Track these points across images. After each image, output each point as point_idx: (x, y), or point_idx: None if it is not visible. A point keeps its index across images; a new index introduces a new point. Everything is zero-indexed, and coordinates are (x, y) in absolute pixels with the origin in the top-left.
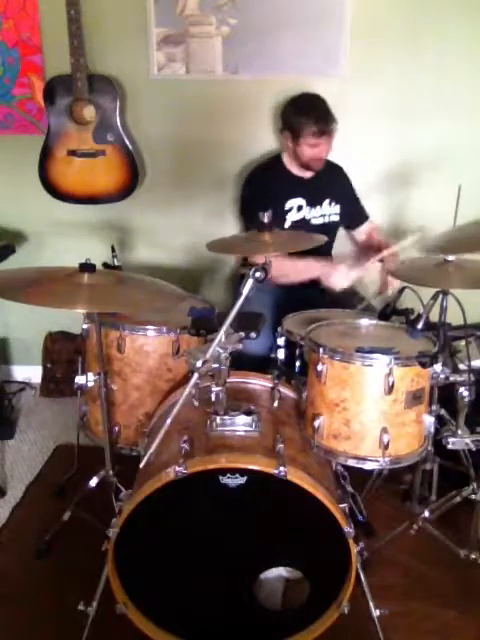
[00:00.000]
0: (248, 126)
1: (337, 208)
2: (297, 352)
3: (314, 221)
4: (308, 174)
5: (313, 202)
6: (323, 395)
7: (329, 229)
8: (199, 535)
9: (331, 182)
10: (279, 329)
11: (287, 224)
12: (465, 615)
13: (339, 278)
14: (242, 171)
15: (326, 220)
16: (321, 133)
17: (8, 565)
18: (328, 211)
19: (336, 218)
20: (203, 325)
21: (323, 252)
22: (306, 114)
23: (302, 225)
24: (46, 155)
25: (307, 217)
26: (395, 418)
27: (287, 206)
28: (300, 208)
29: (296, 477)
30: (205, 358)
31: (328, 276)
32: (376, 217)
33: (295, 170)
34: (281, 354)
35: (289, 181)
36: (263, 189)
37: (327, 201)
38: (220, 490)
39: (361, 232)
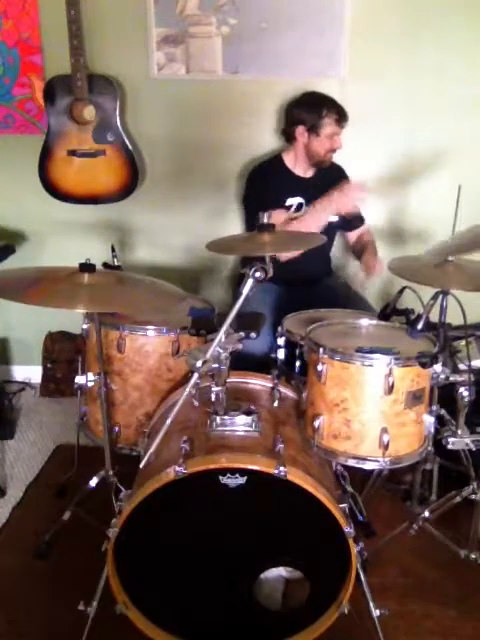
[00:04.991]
0: (248, 126)
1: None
2: (297, 352)
3: None
4: (309, 174)
5: (312, 202)
6: (323, 395)
7: (327, 230)
8: (199, 535)
9: (331, 183)
10: (279, 329)
11: None
12: (465, 615)
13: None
14: (242, 171)
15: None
16: (342, 120)
17: (8, 565)
18: None
19: (334, 219)
20: (203, 325)
21: (322, 253)
22: (326, 106)
23: None
24: (46, 155)
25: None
26: (395, 418)
27: (288, 203)
28: (300, 207)
29: (296, 477)
30: (205, 358)
31: (346, 203)
32: (376, 217)
33: (297, 170)
34: (281, 354)
35: (289, 180)
36: (265, 185)
37: None
38: (220, 490)
39: (353, 234)
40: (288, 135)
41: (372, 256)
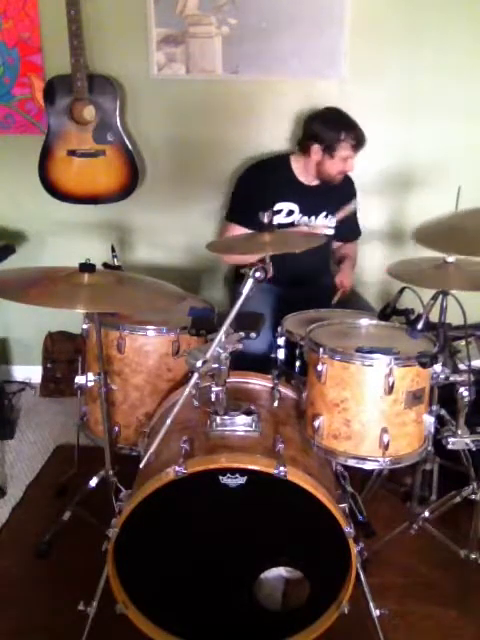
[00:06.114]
0: (248, 126)
1: (334, 222)
2: (297, 352)
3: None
4: (314, 182)
5: (308, 212)
6: (323, 395)
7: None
8: (199, 535)
9: (334, 196)
10: (279, 329)
11: None
12: (465, 615)
13: None
14: (242, 171)
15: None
16: (359, 146)
17: (8, 565)
18: (322, 223)
19: (330, 232)
20: (203, 325)
21: (321, 253)
22: (345, 129)
23: None
24: (46, 155)
25: (297, 224)
26: (395, 418)
27: (277, 207)
28: (291, 213)
29: (296, 477)
30: (205, 358)
31: None
32: (376, 218)
33: (303, 177)
34: (281, 354)
35: (288, 184)
36: (255, 184)
37: (323, 214)
38: (220, 490)
39: (337, 243)
40: (303, 148)
41: (347, 271)
